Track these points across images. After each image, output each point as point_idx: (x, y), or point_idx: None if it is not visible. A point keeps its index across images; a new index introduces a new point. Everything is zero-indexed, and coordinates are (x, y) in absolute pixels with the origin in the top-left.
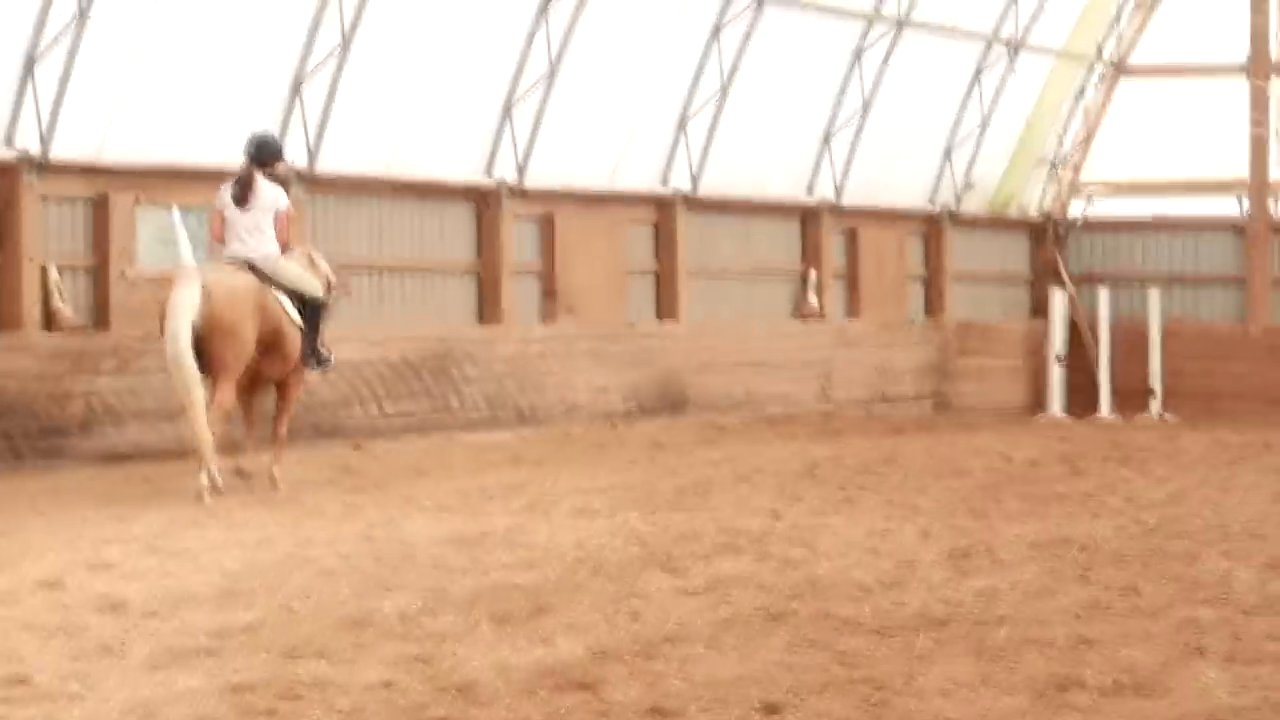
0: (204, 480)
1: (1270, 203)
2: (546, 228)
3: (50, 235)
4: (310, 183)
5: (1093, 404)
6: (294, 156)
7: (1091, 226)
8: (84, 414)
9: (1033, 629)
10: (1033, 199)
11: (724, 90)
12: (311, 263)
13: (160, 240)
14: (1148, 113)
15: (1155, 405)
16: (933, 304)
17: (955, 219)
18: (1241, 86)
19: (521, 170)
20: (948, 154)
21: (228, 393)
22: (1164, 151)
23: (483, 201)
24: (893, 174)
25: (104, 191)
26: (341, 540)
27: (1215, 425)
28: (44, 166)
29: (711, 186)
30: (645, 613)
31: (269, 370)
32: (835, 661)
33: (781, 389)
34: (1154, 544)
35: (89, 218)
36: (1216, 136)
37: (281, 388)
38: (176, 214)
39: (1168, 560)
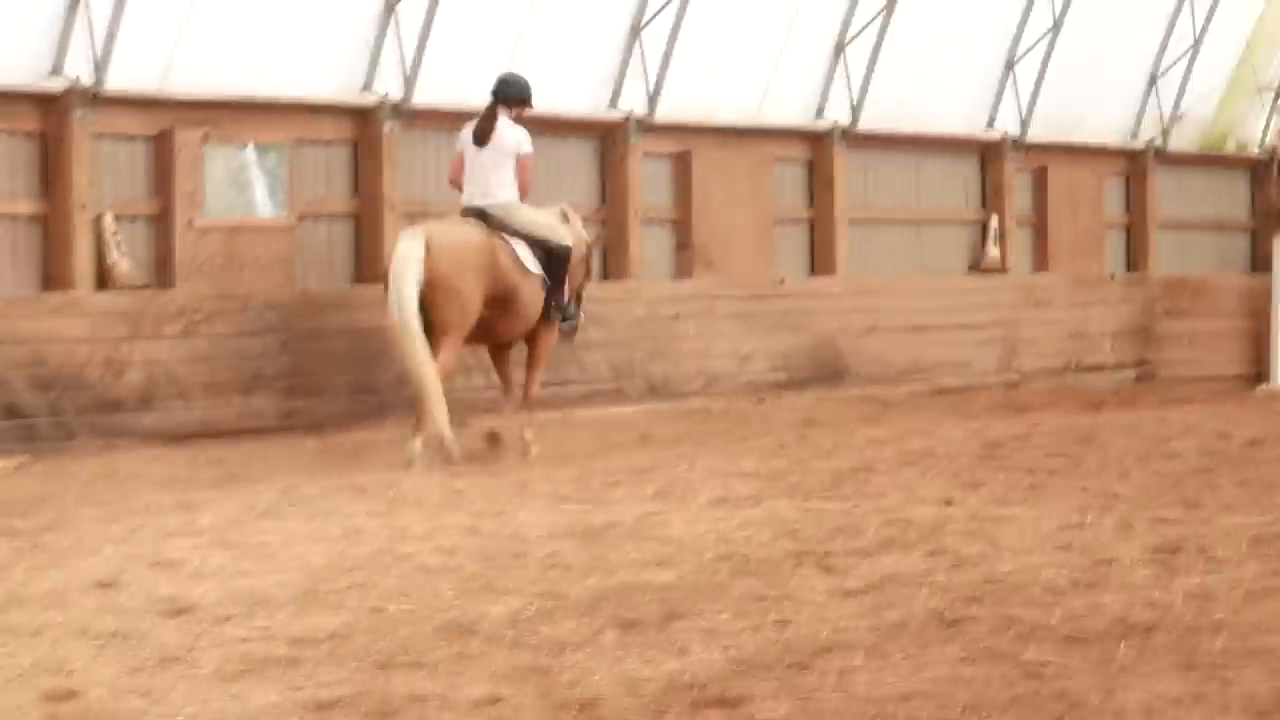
0: (417, 445)
1: None
2: (681, 167)
3: (105, 178)
4: (407, 116)
5: None
6: (388, 87)
7: None
8: (144, 385)
9: (1254, 638)
10: (1254, 132)
11: (889, 8)
12: (565, 219)
13: (233, 183)
14: None
15: None
16: (1136, 256)
17: (1162, 156)
18: None
19: (652, 101)
20: (1153, 81)
21: (450, 354)
22: None
23: (608, 137)
24: (1088, 105)
25: (168, 127)
26: (443, 533)
27: None
28: (97, 99)
29: (874, 120)
30: (797, 618)
31: (505, 329)
32: (1021, 675)
33: (957, 356)
34: None
35: (150, 157)
36: None
37: (531, 345)
38: (252, 152)
39: None
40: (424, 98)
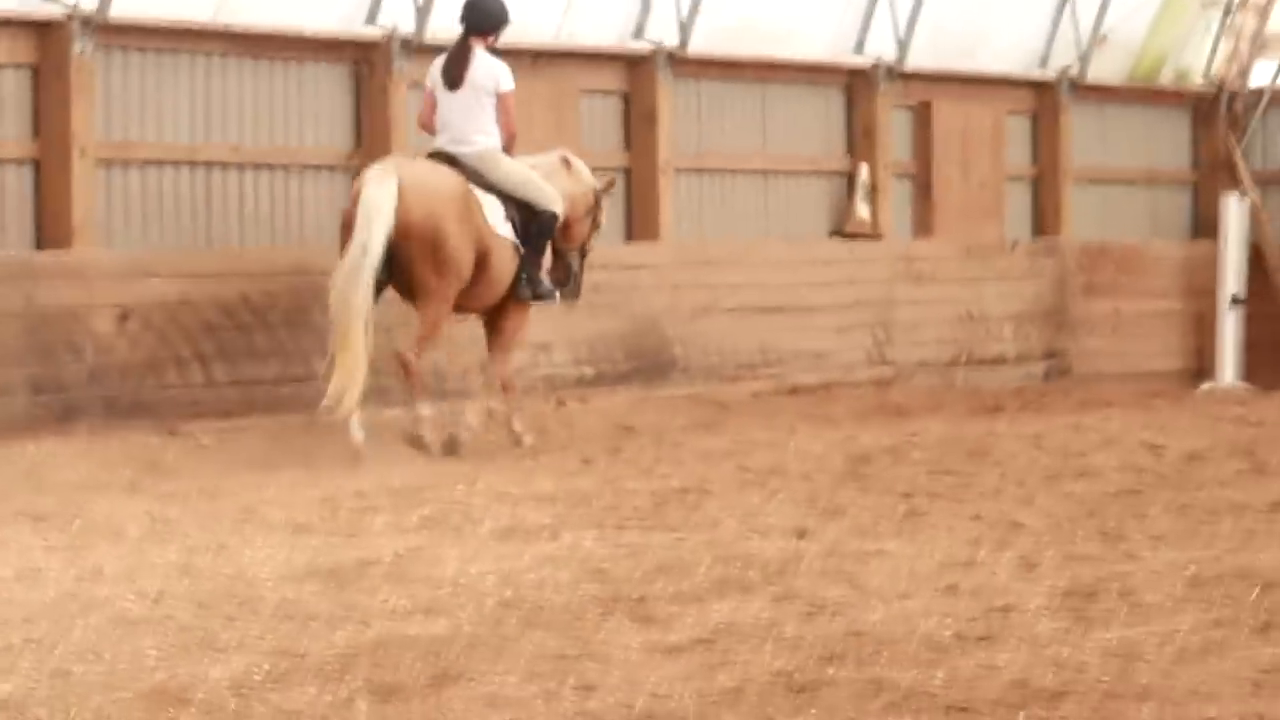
0: (356, 430)
1: None
2: None
3: None
4: (102, 32)
5: None
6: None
7: None
8: None
9: (1189, 707)
10: (1196, 60)
11: None
12: (567, 166)
13: None
14: None
15: None
16: (1045, 217)
17: (1079, 89)
18: None
19: (421, 20)
20: (1062, 6)
21: (435, 321)
22: None
23: (366, 62)
24: (985, 25)
25: None
26: (146, 573)
27: None
28: None
29: (709, 41)
30: (604, 682)
31: (469, 300)
32: None
33: (815, 344)
34: None
35: None
36: None
37: (501, 322)
38: None
39: None
40: (126, 8)
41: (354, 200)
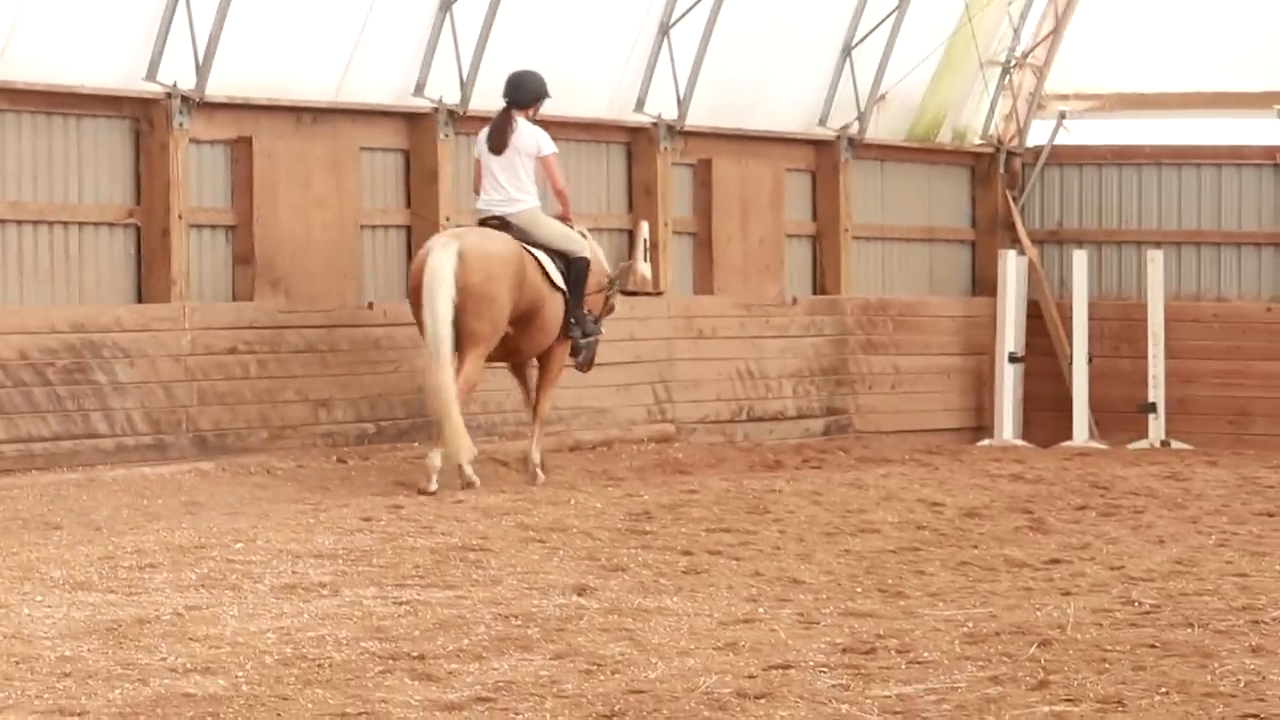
0: (437, 460)
1: None
2: (239, 157)
3: None
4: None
5: (1063, 425)
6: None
7: (1062, 158)
8: None
9: None
10: (975, 118)
11: None
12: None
13: None
14: None
15: (1156, 427)
16: (825, 274)
17: (858, 147)
18: None
19: (202, 74)
20: (847, 52)
21: (476, 368)
22: (1170, 49)
23: (145, 118)
24: (765, 82)
25: None
26: None
27: (1243, 457)
28: None
29: (488, 99)
30: None
31: (526, 345)
32: None
33: (594, 402)
34: (1150, 635)
35: None
36: (1250, 29)
37: (544, 362)
38: None
39: (1170, 659)
40: None
41: (419, 268)
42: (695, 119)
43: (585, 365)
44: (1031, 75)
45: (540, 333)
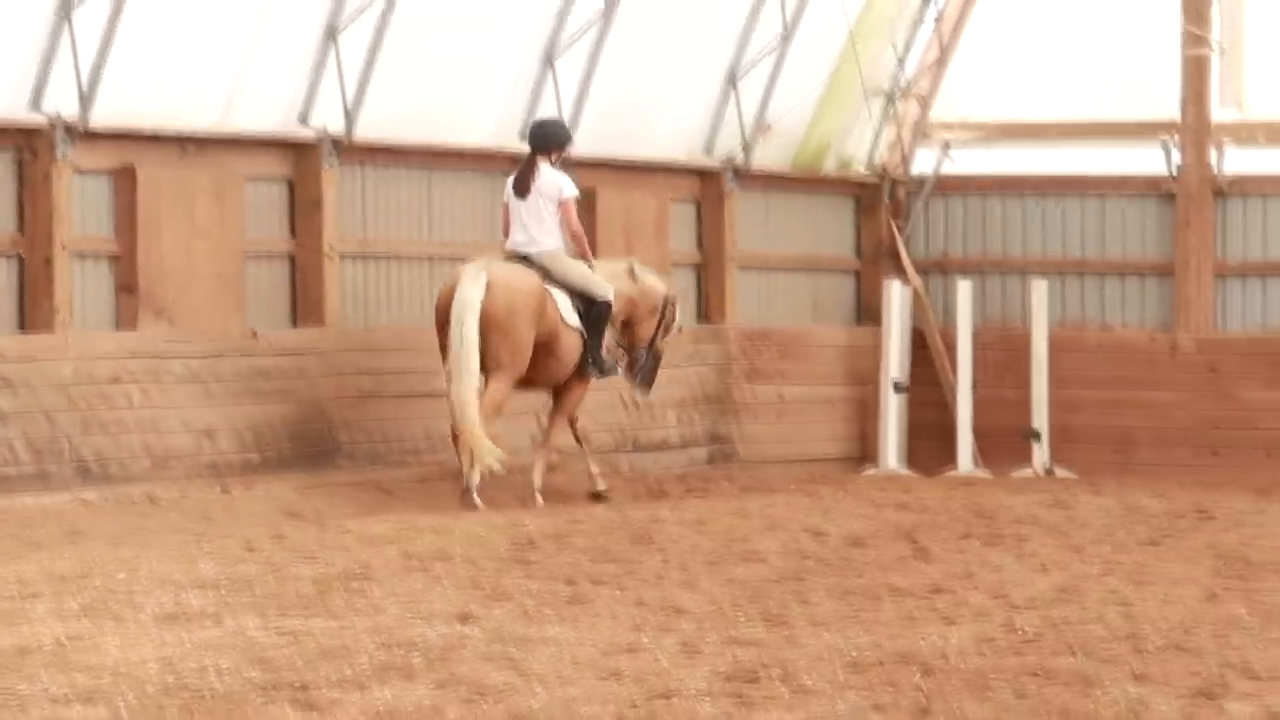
0: (475, 478)
1: (1212, 154)
2: (124, 186)
3: None
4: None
5: (947, 453)
6: None
7: (947, 187)
8: None
9: None
10: (859, 147)
11: None
12: (632, 275)
13: None
14: (1029, 24)
15: (1040, 455)
16: (710, 303)
17: (743, 177)
18: None
19: (85, 102)
20: (731, 81)
21: (502, 391)
22: (1053, 80)
23: (28, 146)
24: (650, 111)
25: None
26: None
27: (1127, 485)
28: None
29: (375, 127)
30: None
31: (536, 375)
32: None
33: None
34: (1032, 663)
35: None
36: (1133, 59)
37: (559, 394)
38: None
39: (1052, 686)
40: None
41: (447, 294)
42: (580, 148)
43: (644, 389)
44: (916, 105)
45: (554, 364)
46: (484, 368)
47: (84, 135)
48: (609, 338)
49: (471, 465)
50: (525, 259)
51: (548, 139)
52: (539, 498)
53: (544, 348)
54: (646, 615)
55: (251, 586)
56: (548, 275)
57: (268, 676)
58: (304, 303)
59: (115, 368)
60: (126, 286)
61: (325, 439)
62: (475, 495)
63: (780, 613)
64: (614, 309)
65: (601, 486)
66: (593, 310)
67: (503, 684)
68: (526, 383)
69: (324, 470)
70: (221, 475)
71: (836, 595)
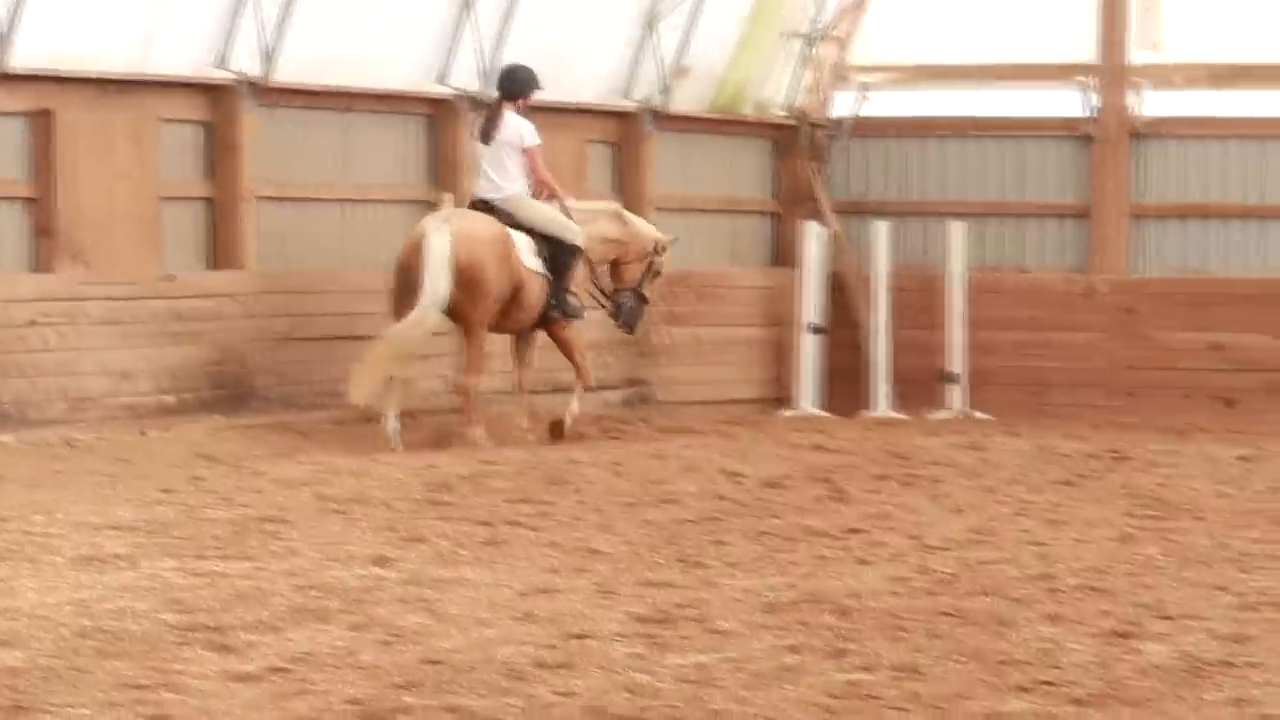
0: (480, 433)
1: (1129, 96)
2: (40, 129)
3: None
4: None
5: (863, 395)
6: None
7: (865, 130)
8: None
9: None
10: (777, 90)
11: None
12: (617, 218)
13: None
14: None
15: (956, 397)
16: None
17: (660, 119)
18: None
19: (2, 44)
20: (650, 25)
21: (479, 345)
22: (971, 22)
23: None
24: (568, 54)
25: None
26: None
27: (1043, 427)
28: None
29: (295, 72)
30: (178, 711)
31: (504, 322)
32: None
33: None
34: (946, 603)
35: None
36: (1051, 1)
37: (556, 342)
38: None
39: (966, 627)
40: None
41: (414, 247)
42: (495, 91)
43: (629, 328)
44: (834, 47)
45: (519, 311)
46: (454, 321)
47: (2, 78)
48: (578, 279)
49: (475, 424)
50: (489, 206)
51: (516, 85)
52: (569, 420)
53: (514, 293)
54: (562, 557)
55: (167, 529)
56: (513, 220)
57: (183, 619)
58: (222, 246)
59: (31, 310)
60: (44, 230)
61: (242, 382)
62: (395, 437)
63: (696, 555)
64: (601, 252)
65: (570, 419)
66: (561, 253)
67: (418, 626)
68: (492, 329)
69: (241, 413)
70: (139, 418)
71: (752, 537)
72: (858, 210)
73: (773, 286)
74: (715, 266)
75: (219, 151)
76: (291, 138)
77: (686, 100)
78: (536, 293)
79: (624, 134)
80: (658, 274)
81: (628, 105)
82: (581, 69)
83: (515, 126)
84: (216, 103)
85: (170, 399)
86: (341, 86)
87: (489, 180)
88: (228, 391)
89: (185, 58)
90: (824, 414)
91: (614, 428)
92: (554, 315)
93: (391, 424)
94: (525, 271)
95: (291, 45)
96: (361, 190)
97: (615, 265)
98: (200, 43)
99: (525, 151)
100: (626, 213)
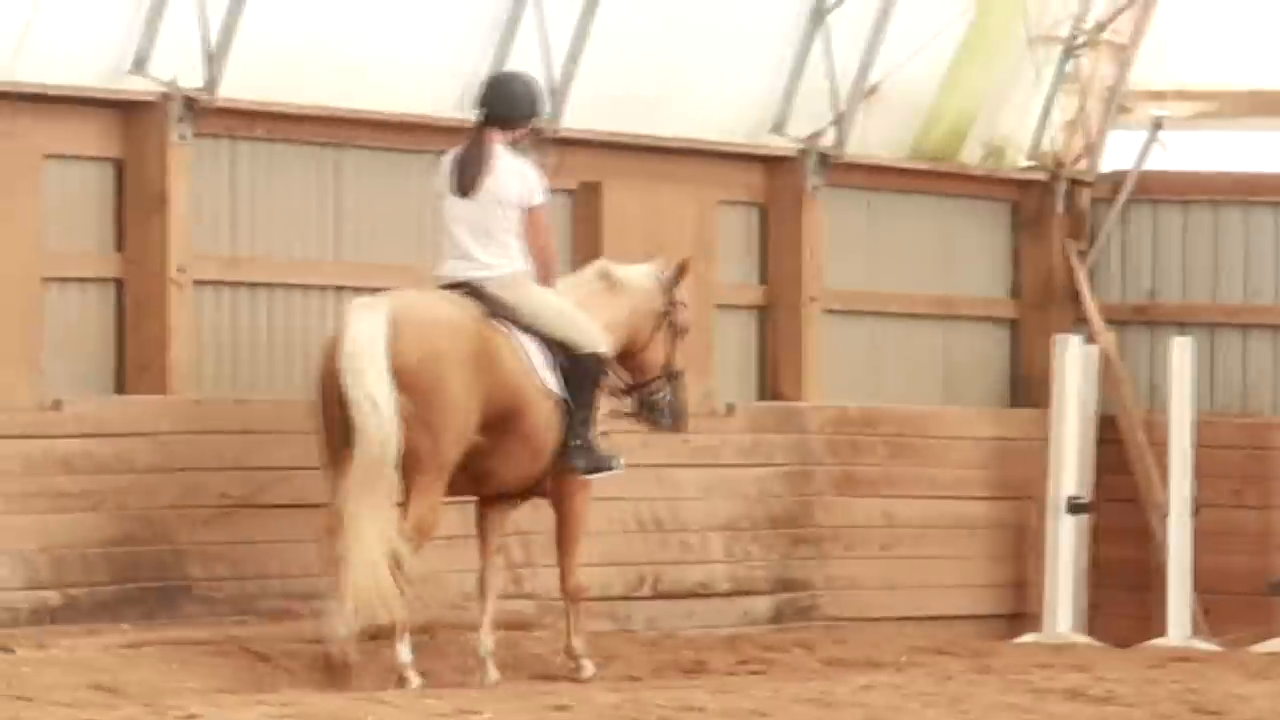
0: (404, 654)
1: None
2: None
3: None
4: None
5: (1151, 611)
6: None
7: (1159, 191)
8: None
9: None
10: (1020, 128)
11: None
12: (608, 283)
13: None
14: None
15: None
16: (777, 368)
17: (834, 168)
18: None
19: None
20: (819, 20)
21: (427, 504)
22: None
23: None
24: (682, 70)
25: None
26: None
27: None
28: None
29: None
30: None
31: (505, 469)
32: None
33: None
34: None
35: None
36: None
37: (560, 506)
38: None
39: None
40: None
41: (329, 352)
42: (575, 120)
43: (679, 425)
44: (1110, 61)
45: (524, 451)
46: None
47: None
48: (602, 406)
49: (399, 635)
50: (470, 287)
51: (512, 106)
52: (587, 667)
53: (507, 419)
54: None
55: None
56: (508, 312)
57: None
58: (135, 355)
59: None
60: None
61: (166, 570)
62: (409, 669)
63: None
64: (610, 344)
65: (587, 673)
66: (577, 368)
67: None
68: (482, 481)
69: (162, 620)
70: (2, 627)
71: None
72: (1145, 318)
73: (1010, 438)
74: (919, 404)
75: (134, 204)
76: (249, 184)
77: (875, 140)
78: (547, 423)
79: (773, 190)
80: (683, 329)
81: (780, 146)
82: (708, 91)
83: (515, 173)
84: (131, 129)
85: (51, 596)
86: (325, 108)
87: (463, 253)
88: (142, 586)
89: (83, 62)
90: (1087, 640)
91: (757, 656)
92: (575, 463)
93: (404, 651)
94: (531, 387)
95: (247, 45)
96: (357, 271)
97: (626, 354)
98: (107, 40)
99: (529, 214)
100: (616, 270)
